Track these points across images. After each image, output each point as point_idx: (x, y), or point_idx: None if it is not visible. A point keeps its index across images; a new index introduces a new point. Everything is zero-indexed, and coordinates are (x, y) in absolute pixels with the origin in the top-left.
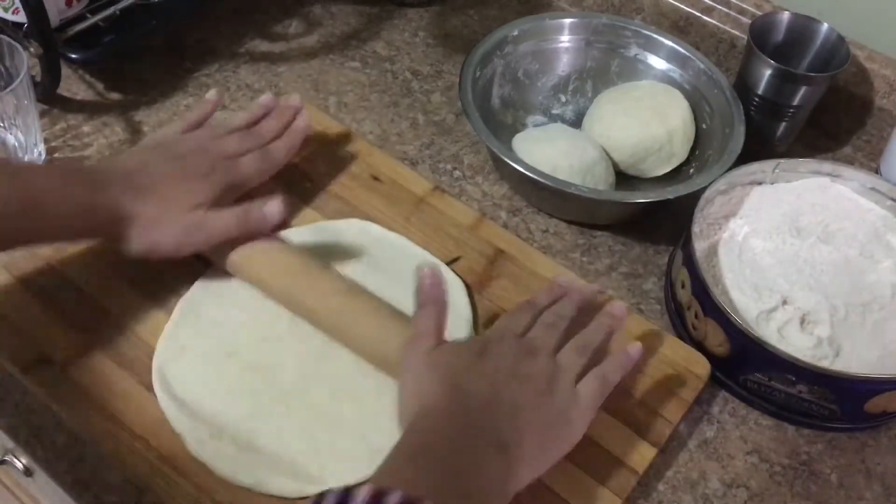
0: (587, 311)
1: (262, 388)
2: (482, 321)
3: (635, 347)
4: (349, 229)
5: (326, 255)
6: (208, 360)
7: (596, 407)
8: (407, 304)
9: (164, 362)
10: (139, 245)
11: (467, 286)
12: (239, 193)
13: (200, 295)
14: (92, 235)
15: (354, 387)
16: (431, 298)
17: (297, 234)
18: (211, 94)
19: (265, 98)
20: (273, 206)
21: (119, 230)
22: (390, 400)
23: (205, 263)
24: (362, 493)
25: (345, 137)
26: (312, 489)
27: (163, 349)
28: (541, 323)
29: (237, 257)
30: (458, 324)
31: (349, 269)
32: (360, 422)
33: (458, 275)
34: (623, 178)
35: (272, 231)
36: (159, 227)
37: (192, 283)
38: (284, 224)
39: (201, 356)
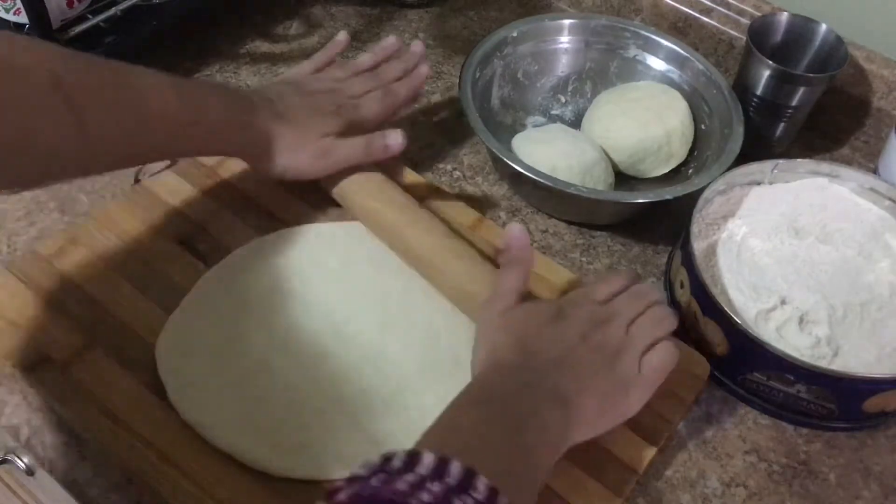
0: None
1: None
2: None
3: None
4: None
5: (345, 254)
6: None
7: (656, 384)
8: (429, 301)
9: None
10: (279, 164)
11: None
12: (362, 130)
13: (207, 290)
14: (242, 152)
15: (358, 377)
16: (517, 259)
17: (298, 233)
18: (340, 36)
19: (390, 40)
20: (394, 136)
21: (263, 149)
22: (388, 392)
23: (205, 263)
24: (426, 461)
25: None
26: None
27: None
28: (627, 293)
29: (347, 184)
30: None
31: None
32: (361, 409)
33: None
34: (622, 179)
35: (391, 161)
36: (296, 151)
37: (192, 283)
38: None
39: (207, 348)
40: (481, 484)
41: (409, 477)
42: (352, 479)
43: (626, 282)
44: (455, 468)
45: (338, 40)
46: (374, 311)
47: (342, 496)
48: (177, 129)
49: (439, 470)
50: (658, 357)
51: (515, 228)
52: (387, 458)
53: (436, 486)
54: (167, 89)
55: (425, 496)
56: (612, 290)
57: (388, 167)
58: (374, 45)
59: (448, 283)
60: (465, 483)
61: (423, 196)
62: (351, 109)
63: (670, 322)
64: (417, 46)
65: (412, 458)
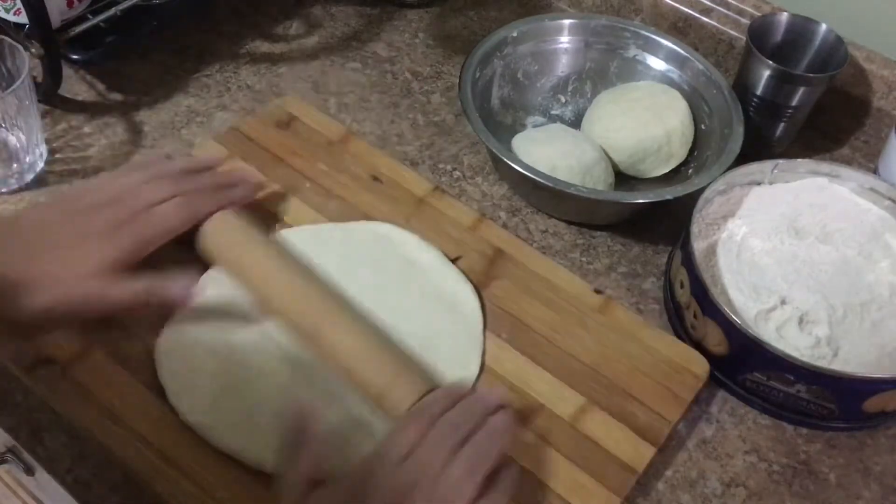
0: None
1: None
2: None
3: None
4: (370, 230)
5: (340, 257)
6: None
7: None
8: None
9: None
10: (30, 309)
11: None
12: (160, 244)
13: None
14: None
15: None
16: (298, 441)
17: (297, 233)
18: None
19: (213, 157)
20: (182, 286)
21: (9, 292)
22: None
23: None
24: None
25: (345, 138)
26: None
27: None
28: (430, 438)
29: (232, 268)
30: (470, 331)
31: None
32: (361, 409)
33: (468, 278)
34: (622, 179)
35: None
36: (52, 293)
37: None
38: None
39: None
40: None
41: None
42: None
43: (430, 419)
44: None
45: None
46: (373, 311)
47: None
48: None
49: None
50: None
51: (298, 407)
52: None
53: None
54: None
55: None
56: (414, 435)
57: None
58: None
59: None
60: None
61: (424, 196)
62: (140, 223)
63: (488, 459)
64: (251, 170)
65: None
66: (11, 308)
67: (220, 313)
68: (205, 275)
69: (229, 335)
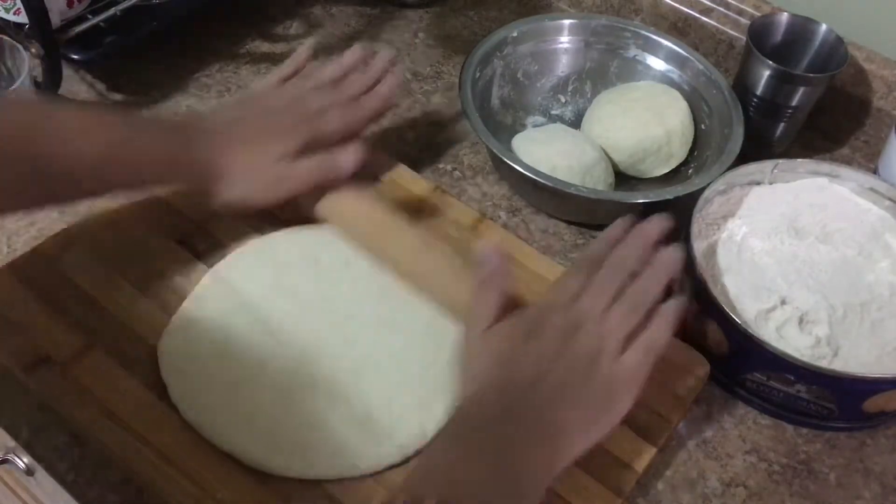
0: (644, 257)
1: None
2: None
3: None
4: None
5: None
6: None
7: (641, 381)
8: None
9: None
10: (230, 194)
11: None
12: (325, 146)
13: (208, 291)
14: (188, 183)
15: (358, 376)
16: (490, 279)
17: (299, 233)
18: (303, 49)
19: (356, 49)
20: (348, 154)
21: (208, 184)
22: (389, 391)
23: (205, 263)
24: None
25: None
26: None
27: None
28: (592, 284)
29: (324, 211)
30: None
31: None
32: (361, 408)
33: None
34: (622, 179)
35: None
36: (246, 179)
37: (192, 283)
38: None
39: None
40: None
41: None
42: None
43: (590, 266)
44: None
45: (300, 54)
46: (374, 311)
47: None
48: (101, 167)
49: None
50: (631, 357)
51: (487, 247)
52: None
53: None
54: (93, 127)
55: None
56: (579, 281)
57: (369, 163)
58: (341, 55)
59: (436, 299)
60: None
61: (424, 196)
62: (310, 125)
63: (644, 303)
64: (386, 54)
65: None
66: (214, 196)
67: (223, 314)
68: (203, 278)
69: (232, 335)
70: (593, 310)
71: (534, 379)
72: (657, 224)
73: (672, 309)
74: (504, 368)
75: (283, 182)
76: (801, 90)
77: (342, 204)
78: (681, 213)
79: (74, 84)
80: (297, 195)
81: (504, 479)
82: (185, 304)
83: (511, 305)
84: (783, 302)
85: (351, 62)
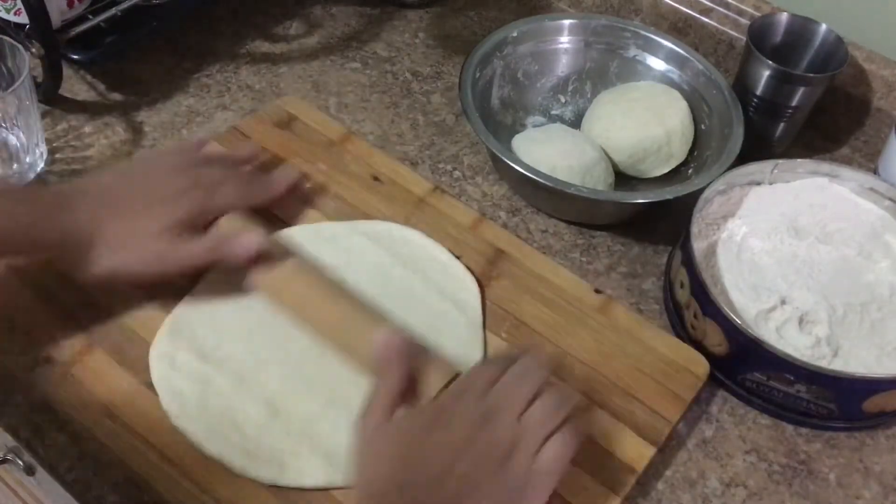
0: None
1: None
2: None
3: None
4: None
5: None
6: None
7: (554, 480)
8: (428, 301)
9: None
10: (97, 270)
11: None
12: (214, 220)
13: (202, 295)
14: (56, 251)
15: (352, 381)
16: (387, 368)
17: (298, 232)
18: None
19: (252, 147)
20: (247, 242)
21: (79, 253)
22: None
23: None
24: None
25: (345, 138)
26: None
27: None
28: (510, 374)
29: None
30: (472, 329)
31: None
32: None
33: (472, 273)
34: (622, 179)
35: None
36: (119, 253)
37: (192, 283)
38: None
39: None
40: None
41: None
42: None
43: (506, 363)
44: None
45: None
46: (372, 313)
47: None
48: None
49: None
50: (552, 451)
51: (383, 335)
52: None
53: None
54: None
55: None
56: (494, 374)
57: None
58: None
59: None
60: None
61: (423, 196)
62: (201, 195)
63: (565, 405)
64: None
65: None
66: (83, 268)
67: (211, 321)
68: (199, 285)
69: (220, 343)
70: (510, 402)
71: (440, 473)
72: (545, 363)
73: (583, 421)
74: (407, 460)
75: (164, 260)
76: (801, 90)
77: (269, 279)
78: (681, 213)
79: (75, 84)
80: (180, 273)
81: None
82: (179, 304)
83: (411, 394)
84: (783, 302)
85: (247, 153)
